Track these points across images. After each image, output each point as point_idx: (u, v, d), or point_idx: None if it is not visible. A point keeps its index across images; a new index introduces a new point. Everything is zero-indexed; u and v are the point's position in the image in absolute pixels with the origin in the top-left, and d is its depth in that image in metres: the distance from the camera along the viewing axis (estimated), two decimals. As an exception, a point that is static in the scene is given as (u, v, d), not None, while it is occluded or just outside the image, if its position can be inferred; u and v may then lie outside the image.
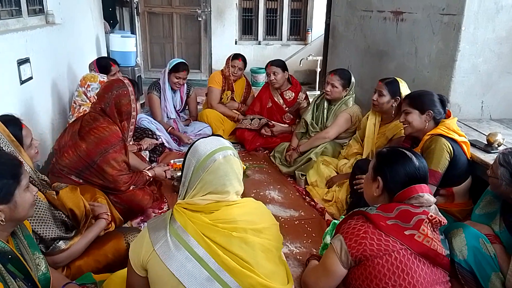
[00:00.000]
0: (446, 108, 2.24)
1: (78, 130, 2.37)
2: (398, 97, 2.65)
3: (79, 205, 1.87)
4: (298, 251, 2.32)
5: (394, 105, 2.68)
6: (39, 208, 1.66)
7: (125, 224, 2.42)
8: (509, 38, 2.69)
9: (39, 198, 1.67)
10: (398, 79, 2.69)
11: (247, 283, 1.26)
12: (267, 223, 1.40)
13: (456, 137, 2.13)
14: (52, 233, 1.67)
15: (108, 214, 2.00)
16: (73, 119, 2.87)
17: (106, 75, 3.29)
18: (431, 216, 1.46)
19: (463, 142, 2.16)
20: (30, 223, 1.60)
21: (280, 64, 3.80)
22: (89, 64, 3.50)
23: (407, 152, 1.60)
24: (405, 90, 2.63)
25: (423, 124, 2.21)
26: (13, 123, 1.77)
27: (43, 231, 1.64)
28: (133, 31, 6.30)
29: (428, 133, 2.17)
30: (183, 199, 1.36)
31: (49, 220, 1.68)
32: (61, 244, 1.70)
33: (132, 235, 1.93)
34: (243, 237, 1.30)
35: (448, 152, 2.08)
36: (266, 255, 1.34)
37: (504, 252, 1.63)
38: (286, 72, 3.81)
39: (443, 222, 1.49)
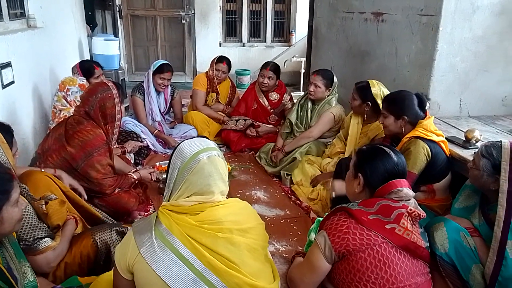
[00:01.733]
0: (426, 108, 2.27)
1: (62, 133, 2.36)
2: (369, 102, 2.71)
3: (64, 219, 1.86)
4: (284, 249, 2.35)
5: (366, 108, 2.74)
6: (26, 211, 1.64)
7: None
8: (485, 37, 2.77)
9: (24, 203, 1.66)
10: (371, 82, 2.74)
11: (233, 282, 1.27)
12: (253, 222, 1.42)
13: (434, 137, 2.18)
14: (40, 233, 1.66)
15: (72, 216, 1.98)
16: (53, 125, 2.85)
17: (85, 78, 3.27)
18: (411, 209, 1.51)
19: (441, 141, 2.22)
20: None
21: (278, 71, 3.84)
22: (72, 68, 3.47)
23: (385, 149, 1.64)
24: (378, 92, 2.68)
25: (399, 128, 2.27)
26: (5, 130, 1.78)
27: (27, 232, 1.62)
28: (116, 34, 6.26)
29: (406, 136, 2.21)
30: (168, 201, 1.37)
31: (35, 222, 1.67)
32: (47, 241, 1.68)
33: (100, 232, 1.89)
34: (228, 238, 1.31)
35: (425, 155, 2.13)
36: (252, 255, 1.35)
37: (483, 244, 1.68)
38: (278, 80, 3.87)
39: (422, 215, 1.54)
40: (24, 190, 1.76)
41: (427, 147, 2.13)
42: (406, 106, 2.25)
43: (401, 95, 2.33)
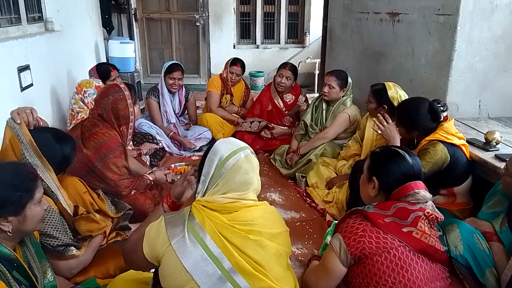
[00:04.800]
0: (441, 117, 2.19)
1: (78, 136, 2.38)
2: (385, 106, 2.66)
3: (93, 231, 1.92)
4: (299, 252, 2.33)
5: (383, 112, 2.69)
6: (52, 215, 1.68)
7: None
8: (504, 37, 2.71)
9: (51, 207, 1.69)
10: (387, 84, 2.68)
11: (259, 286, 1.28)
12: (281, 228, 1.44)
13: (455, 141, 2.13)
14: (64, 238, 1.69)
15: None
16: (71, 127, 2.89)
17: (101, 80, 3.31)
18: (428, 212, 1.47)
19: (462, 144, 2.17)
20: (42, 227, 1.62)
21: (296, 73, 3.82)
22: (89, 70, 3.52)
23: (400, 151, 1.61)
24: (394, 95, 2.63)
25: (412, 138, 2.26)
26: None
27: (53, 234, 1.66)
28: (131, 37, 6.32)
29: (426, 138, 2.16)
30: (203, 196, 1.38)
31: (60, 227, 1.70)
32: (72, 250, 1.73)
33: None
34: (259, 241, 1.32)
35: (442, 158, 2.08)
36: (278, 260, 1.37)
37: (502, 251, 1.62)
38: (295, 81, 3.85)
39: (440, 218, 1.50)
40: None
41: (447, 151, 2.09)
42: (417, 121, 2.20)
43: (412, 108, 2.24)
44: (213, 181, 1.36)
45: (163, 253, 1.30)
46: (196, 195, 1.41)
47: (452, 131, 2.16)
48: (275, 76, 3.88)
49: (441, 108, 2.18)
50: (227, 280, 1.26)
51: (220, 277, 1.26)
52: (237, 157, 1.36)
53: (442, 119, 2.19)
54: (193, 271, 1.25)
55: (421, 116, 2.19)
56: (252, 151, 1.45)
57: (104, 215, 2.13)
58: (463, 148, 2.17)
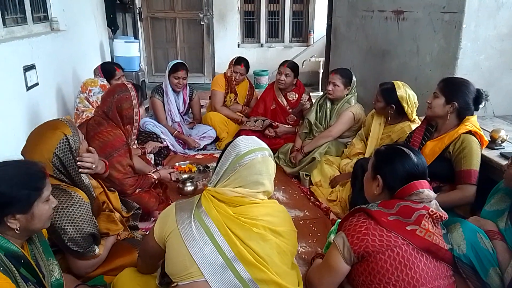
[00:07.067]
0: (480, 105, 2.16)
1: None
2: (393, 105, 2.65)
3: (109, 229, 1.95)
4: (303, 250, 2.33)
5: (390, 111, 2.69)
6: (84, 207, 1.71)
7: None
8: (510, 35, 2.69)
9: (82, 199, 1.72)
10: (396, 84, 2.66)
11: (260, 277, 1.31)
12: (287, 227, 1.46)
13: (485, 137, 2.11)
14: (91, 228, 1.72)
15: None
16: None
17: (106, 79, 3.32)
18: (432, 211, 1.47)
19: (484, 141, 2.15)
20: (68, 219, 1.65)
21: (295, 69, 3.80)
22: (94, 69, 3.53)
23: (405, 149, 1.60)
24: (403, 95, 2.61)
25: (444, 113, 2.16)
26: None
27: (84, 226, 1.68)
28: (136, 36, 6.35)
29: (459, 131, 2.10)
30: (214, 186, 1.42)
31: (91, 219, 1.74)
32: (95, 249, 1.75)
33: None
34: (262, 234, 1.35)
35: (480, 149, 2.07)
36: (281, 257, 1.39)
37: (506, 249, 1.61)
38: (296, 78, 3.84)
39: (444, 217, 1.50)
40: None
41: (478, 141, 2.08)
42: (463, 93, 2.13)
43: (462, 81, 2.20)
44: (226, 174, 1.40)
45: (169, 234, 1.35)
46: (209, 184, 1.45)
47: (477, 126, 2.13)
48: (276, 74, 3.88)
49: (485, 97, 2.16)
50: (229, 268, 1.29)
51: (222, 265, 1.29)
52: (253, 156, 1.39)
53: (479, 107, 2.17)
54: (196, 256, 1.29)
55: (469, 89, 2.14)
56: (271, 154, 1.47)
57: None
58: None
